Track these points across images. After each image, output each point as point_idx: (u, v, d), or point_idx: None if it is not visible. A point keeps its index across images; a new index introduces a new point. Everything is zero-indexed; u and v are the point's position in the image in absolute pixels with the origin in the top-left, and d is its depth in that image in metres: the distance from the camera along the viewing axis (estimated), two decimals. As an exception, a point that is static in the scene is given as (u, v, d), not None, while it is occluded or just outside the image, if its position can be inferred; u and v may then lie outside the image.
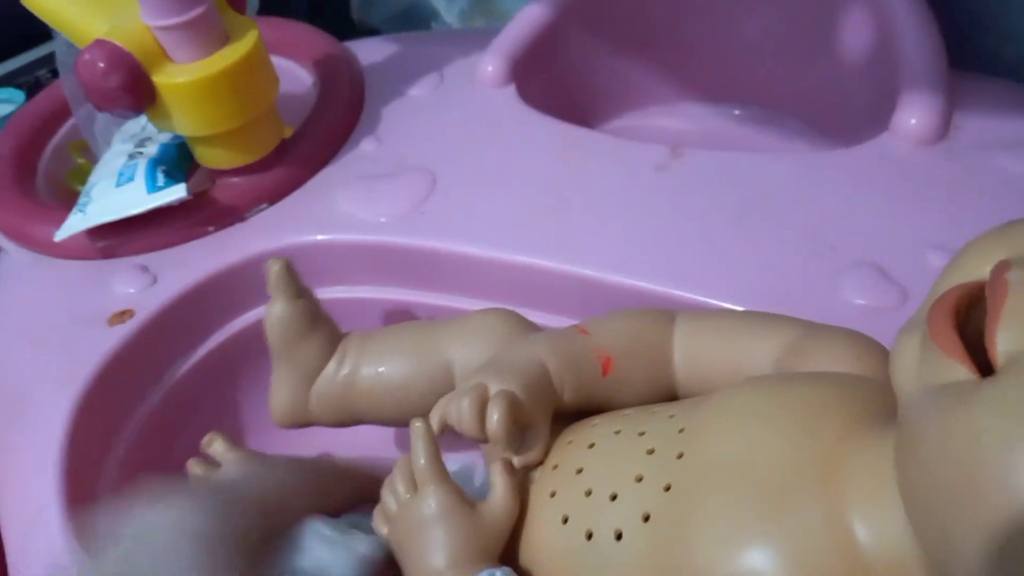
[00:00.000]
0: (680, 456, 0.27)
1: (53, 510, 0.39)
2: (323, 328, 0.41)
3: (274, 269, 0.40)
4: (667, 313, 0.36)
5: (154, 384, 0.47)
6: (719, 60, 0.62)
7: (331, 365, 0.41)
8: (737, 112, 0.63)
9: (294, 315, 0.40)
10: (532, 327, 0.39)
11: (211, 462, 0.42)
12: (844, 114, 0.57)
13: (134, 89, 0.45)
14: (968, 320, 0.21)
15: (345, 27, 0.86)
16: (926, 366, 0.21)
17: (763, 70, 0.61)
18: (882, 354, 0.29)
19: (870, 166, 0.46)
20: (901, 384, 0.22)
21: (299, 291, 0.41)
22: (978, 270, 0.21)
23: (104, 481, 0.43)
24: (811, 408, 0.26)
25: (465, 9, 0.76)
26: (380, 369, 0.40)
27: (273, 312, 0.41)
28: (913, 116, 0.47)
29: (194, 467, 0.42)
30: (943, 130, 0.47)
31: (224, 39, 0.47)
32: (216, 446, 0.41)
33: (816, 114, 0.59)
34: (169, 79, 0.45)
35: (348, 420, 0.42)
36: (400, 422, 0.34)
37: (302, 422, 0.42)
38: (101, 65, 0.44)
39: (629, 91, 0.64)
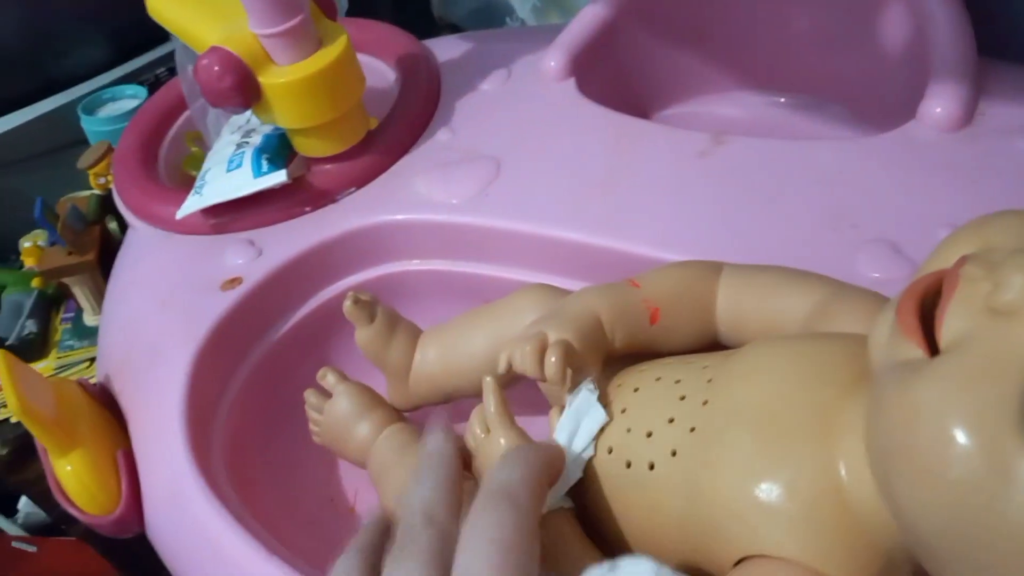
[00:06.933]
0: (705, 403, 0.30)
1: (177, 438, 0.44)
2: (402, 333, 0.45)
3: (346, 305, 0.44)
4: (714, 267, 0.37)
5: (259, 340, 0.51)
6: (767, 51, 0.64)
7: (416, 359, 0.45)
8: (783, 99, 0.65)
9: (372, 335, 0.45)
10: (564, 294, 0.41)
11: (324, 393, 0.46)
12: (884, 101, 0.58)
13: (243, 89, 0.49)
14: (937, 305, 0.23)
15: (427, 23, 0.90)
16: (891, 344, 0.23)
17: (808, 60, 0.62)
18: None
19: (896, 152, 0.48)
20: (874, 357, 0.24)
21: (371, 315, 0.45)
22: (950, 260, 0.23)
23: (218, 416, 0.48)
24: (819, 366, 0.28)
25: (538, 5, 0.80)
26: (453, 353, 0.44)
27: (358, 338, 0.45)
28: (938, 105, 0.48)
29: (309, 396, 0.47)
30: (967, 118, 0.48)
31: (318, 43, 0.51)
32: (329, 378, 0.46)
33: (857, 101, 0.61)
34: (272, 80, 0.49)
35: (445, 397, 0.46)
36: (480, 390, 0.38)
37: (412, 406, 0.47)
38: (216, 68, 0.48)
39: (683, 81, 0.66)
